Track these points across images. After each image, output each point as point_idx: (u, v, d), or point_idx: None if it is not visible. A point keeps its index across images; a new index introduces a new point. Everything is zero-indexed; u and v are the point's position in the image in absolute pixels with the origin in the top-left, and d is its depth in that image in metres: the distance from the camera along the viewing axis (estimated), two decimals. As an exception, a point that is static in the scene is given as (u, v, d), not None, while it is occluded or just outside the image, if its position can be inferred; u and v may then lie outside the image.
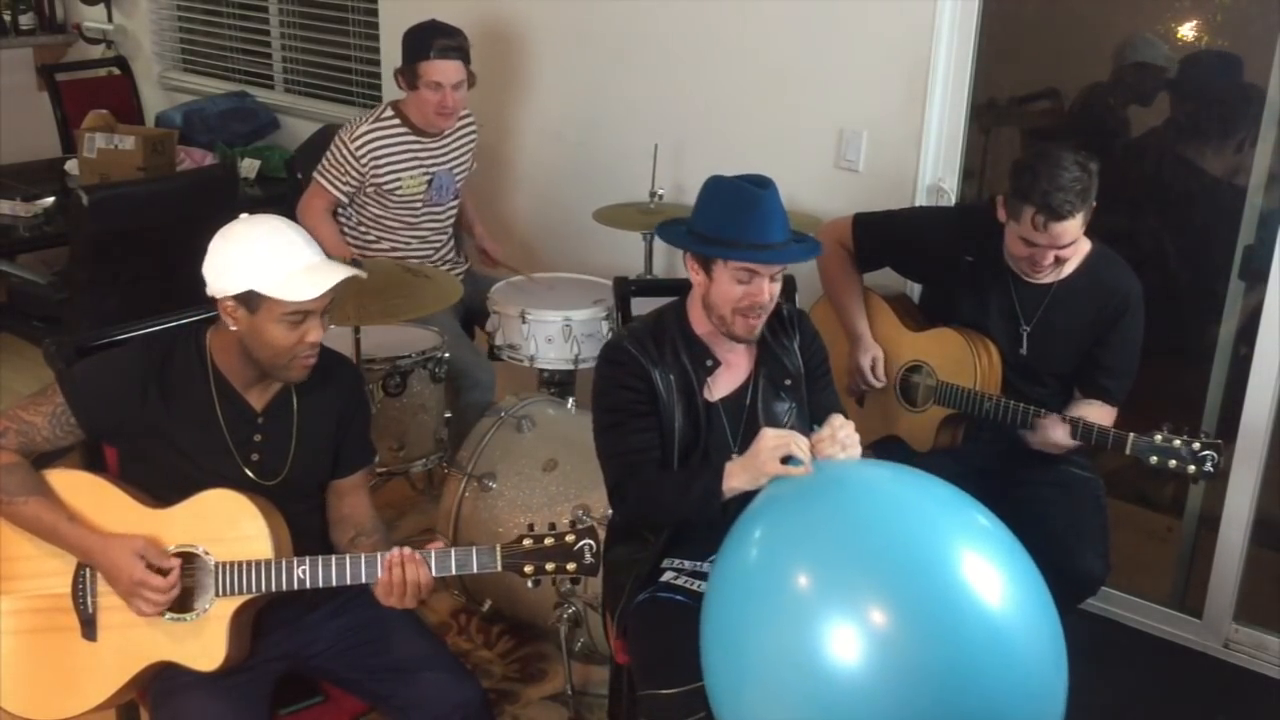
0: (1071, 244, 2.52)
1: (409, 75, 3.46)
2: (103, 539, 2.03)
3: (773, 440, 2.03)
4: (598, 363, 2.33)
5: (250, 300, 2.01)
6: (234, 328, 2.05)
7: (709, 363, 2.27)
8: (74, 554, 2.07)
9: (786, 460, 2.00)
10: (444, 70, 3.42)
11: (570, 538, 2.01)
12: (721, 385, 2.29)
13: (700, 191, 2.23)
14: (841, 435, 2.05)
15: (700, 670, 2.07)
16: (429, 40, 3.42)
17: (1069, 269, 2.65)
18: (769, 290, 2.17)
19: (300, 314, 2.02)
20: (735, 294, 2.17)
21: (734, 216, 2.15)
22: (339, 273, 2.04)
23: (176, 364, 2.12)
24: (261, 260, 2.00)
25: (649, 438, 2.24)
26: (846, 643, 1.67)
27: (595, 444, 2.31)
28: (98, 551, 2.03)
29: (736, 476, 2.08)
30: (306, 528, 2.18)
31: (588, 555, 2.01)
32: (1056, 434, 2.55)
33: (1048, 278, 2.62)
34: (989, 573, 1.75)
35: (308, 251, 2.05)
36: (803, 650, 1.70)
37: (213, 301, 2.07)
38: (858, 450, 2.06)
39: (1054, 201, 2.42)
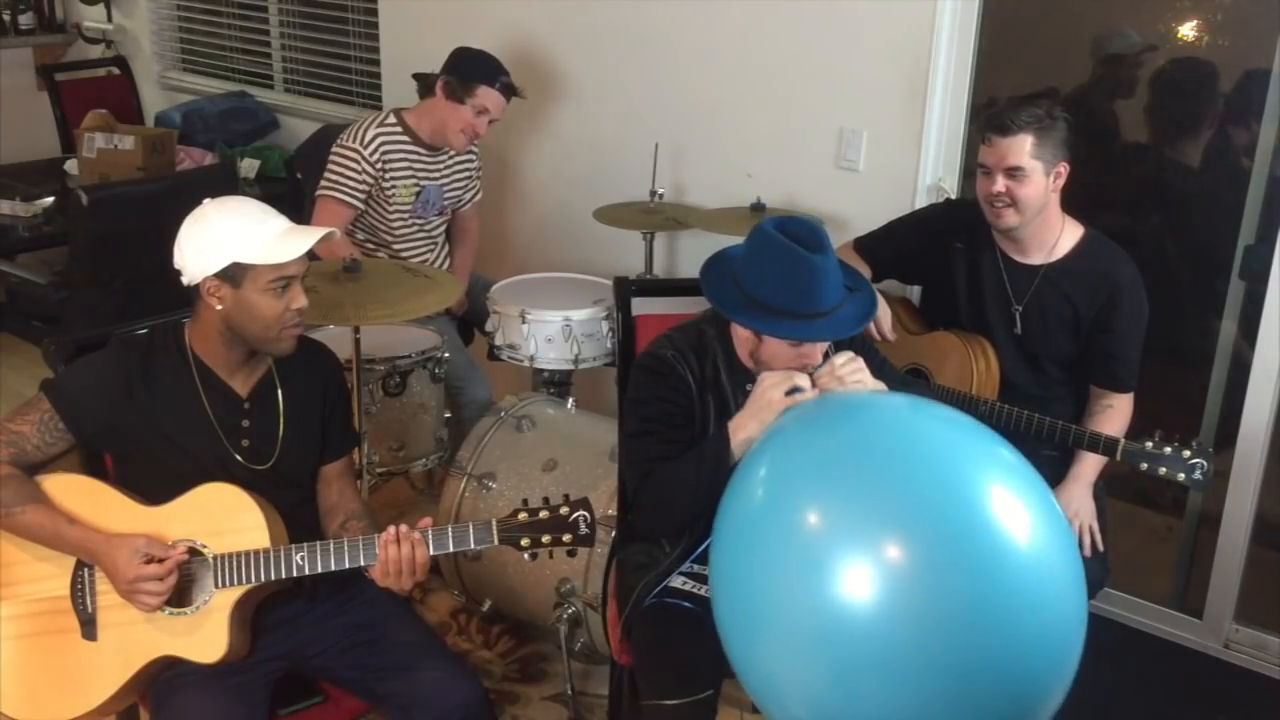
0: (1020, 172, 2.53)
1: (458, 89, 3.44)
2: (106, 538, 2.03)
3: (773, 377, 2.03)
4: (635, 371, 2.26)
5: (234, 274, 2.03)
6: (219, 307, 2.06)
7: (748, 386, 2.20)
8: (79, 555, 2.07)
9: (791, 394, 1.99)
10: (498, 103, 3.48)
11: (565, 510, 2.03)
12: None
13: (750, 240, 2.10)
14: (843, 370, 2.02)
15: (705, 680, 2.07)
16: (496, 71, 3.47)
17: (1060, 251, 2.65)
18: (821, 349, 2.13)
19: (283, 280, 2.06)
20: (787, 356, 2.11)
21: (786, 283, 2.04)
22: (314, 233, 2.09)
23: (157, 359, 2.13)
24: (239, 231, 2.03)
25: (678, 449, 2.19)
26: (862, 582, 1.59)
27: (620, 450, 2.29)
28: (101, 551, 2.03)
29: (744, 426, 2.05)
30: (301, 520, 2.19)
31: (583, 526, 2.02)
32: (1088, 541, 2.60)
33: (1011, 228, 2.61)
34: (1018, 510, 1.65)
35: (280, 219, 2.09)
36: (816, 591, 1.62)
37: (192, 291, 2.09)
38: (866, 386, 2.03)
39: (1001, 115, 2.55)
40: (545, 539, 2.02)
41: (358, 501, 2.30)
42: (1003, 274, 2.70)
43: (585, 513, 2.03)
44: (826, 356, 2.18)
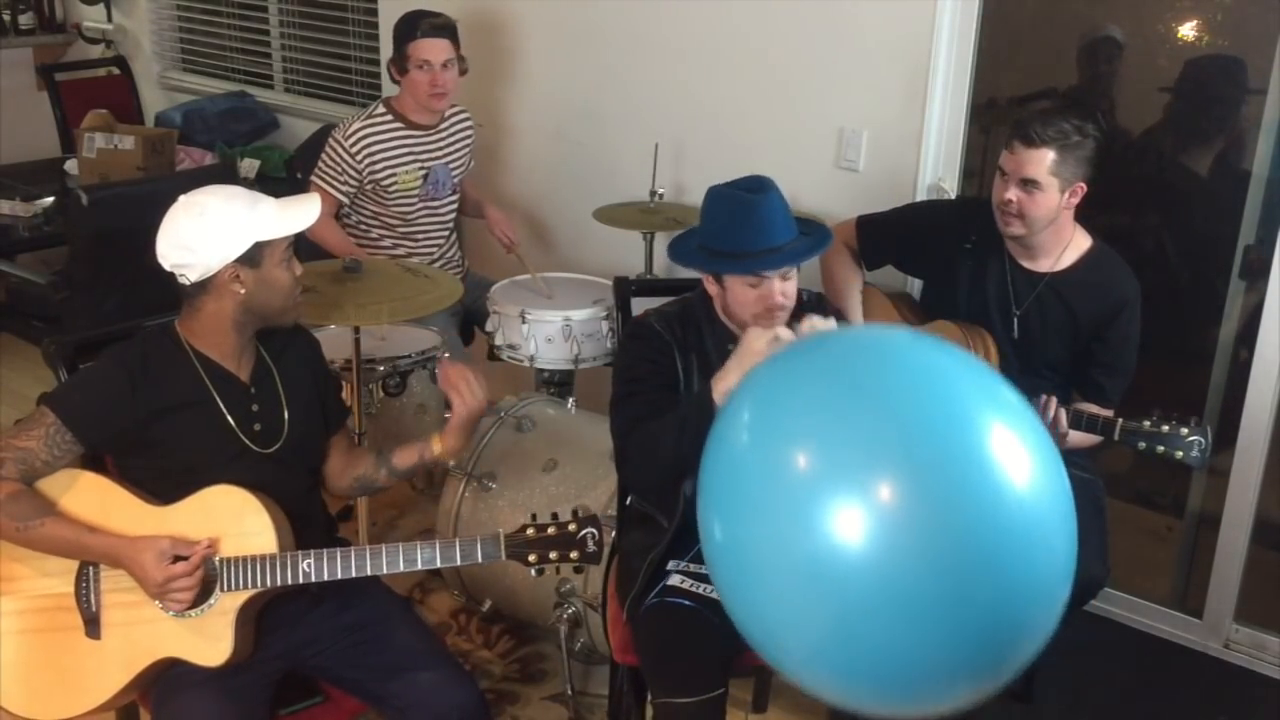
0: (1035, 185, 2.52)
1: (399, 61, 3.49)
2: (130, 543, 2.02)
3: (757, 330, 2.07)
4: (622, 340, 2.38)
5: (253, 255, 2.06)
6: (241, 292, 2.08)
7: (730, 346, 2.24)
8: (104, 562, 2.06)
9: (774, 344, 2.01)
10: (431, 48, 3.45)
11: (573, 527, 2.03)
12: None
13: (702, 203, 2.25)
14: (822, 327, 2.06)
15: (716, 679, 2.06)
16: (415, 22, 3.47)
17: (1066, 261, 2.66)
18: (781, 290, 2.18)
19: (289, 250, 2.13)
20: (749, 299, 2.19)
21: (735, 226, 2.17)
22: (302, 200, 2.16)
23: (156, 358, 2.12)
24: (248, 214, 2.06)
25: (660, 409, 2.21)
26: (854, 524, 1.52)
27: (609, 419, 2.31)
28: (127, 556, 2.02)
29: (726, 377, 2.06)
30: (307, 513, 2.19)
31: (590, 544, 2.02)
32: (1050, 412, 2.52)
33: (1012, 229, 2.61)
34: (1014, 447, 1.57)
35: (264, 196, 2.14)
36: (807, 535, 1.54)
37: (191, 289, 2.08)
38: None
39: (1030, 124, 2.52)
40: (553, 555, 2.02)
41: (369, 451, 2.38)
42: (1007, 278, 2.70)
43: (594, 530, 2.03)
44: (800, 313, 2.24)
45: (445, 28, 3.48)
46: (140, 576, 2.02)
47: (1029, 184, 2.53)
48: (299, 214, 2.12)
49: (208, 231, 2.04)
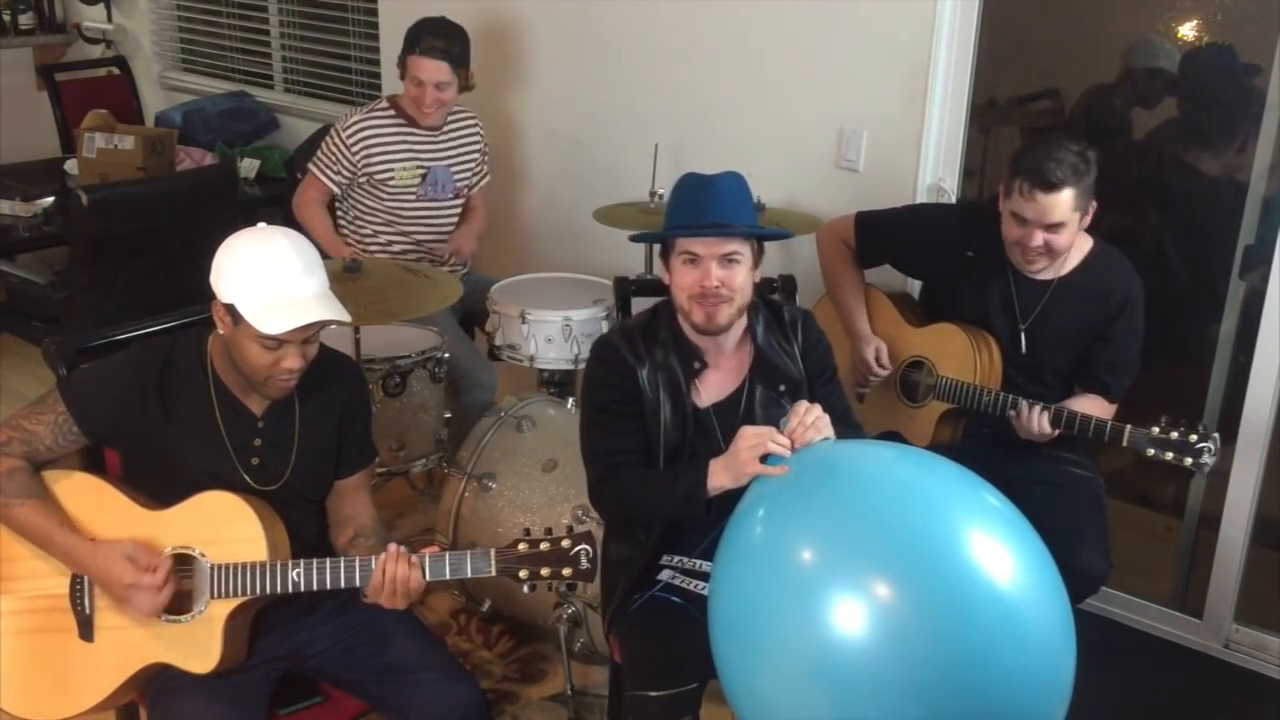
0: (1060, 226, 2.50)
1: (401, 67, 3.52)
2: (91, 547, 2.02)
3: (750, 440, 2.00)
4: (588, 359, 2.34)
5: (234, 312, 2.01)
6: (221, 331, 2.06)
7: (696, 364, 2.25)
8: (63, 561, 2.06)
9: (765, 459, 1.98)
10: (426, 68, 3.46)
11: (566, 543, 1.99)
12: (712, 389, 2.27)
13: None
14: (810, 420, 2.01)
15: (689, 674, 2.06)
16: (420, 36, 3.47)
17: (1069, 265, 2.65)
18: (716, 275, 2.14)
19: (276, 340, 2.01)
20: (686, 281, 2.17)
21: (681, 203, 2.20)
22: (318, 313, 2.01)
23: (177, 369, 2.12)
24: (249, 280, 1.99)
25: (630, 440, 2.22)
26: (854, 620, 1.66)
27: (579, 440, 2.31)
28: (87, 559, 2.02)
29: (719, 475, 2.06)
30: (304, 533, 2.18)
31: (584, 560, 1.98)
32: (1034, 421, 2.54)
33: (1042, 271, 2.62)
34: (997, 549, 1.73)
35: (303, 280, 2.02)
36: (811, 629, 1.68)
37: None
38: (831, 431, 2.03)
39: (1044, 169, 2.44)
40: (544, 572, 1.99)
41: (369, 517, 2.26)
42: (1012, 290, 2.69)
43: (587, 546, 1.98)
44: (778, 332, 2.28)
45: (444, 51, 3.45)
46: (103, 580, 2.01)
47: (1055, 227, 2.50)
48: (286, 317, 1.97)
49: (221, 261, 2.03)
